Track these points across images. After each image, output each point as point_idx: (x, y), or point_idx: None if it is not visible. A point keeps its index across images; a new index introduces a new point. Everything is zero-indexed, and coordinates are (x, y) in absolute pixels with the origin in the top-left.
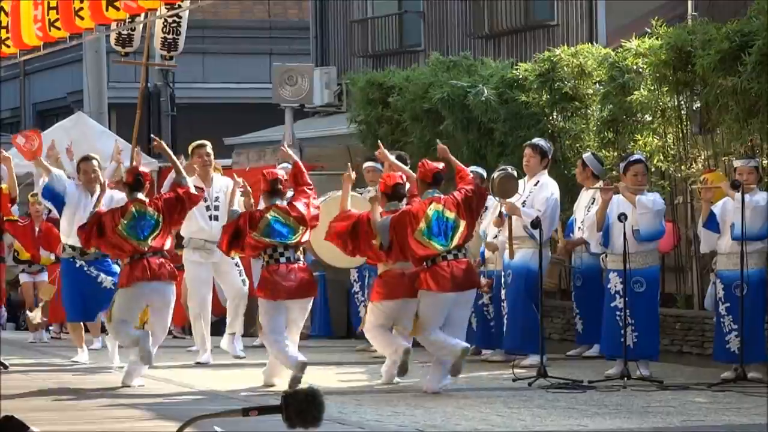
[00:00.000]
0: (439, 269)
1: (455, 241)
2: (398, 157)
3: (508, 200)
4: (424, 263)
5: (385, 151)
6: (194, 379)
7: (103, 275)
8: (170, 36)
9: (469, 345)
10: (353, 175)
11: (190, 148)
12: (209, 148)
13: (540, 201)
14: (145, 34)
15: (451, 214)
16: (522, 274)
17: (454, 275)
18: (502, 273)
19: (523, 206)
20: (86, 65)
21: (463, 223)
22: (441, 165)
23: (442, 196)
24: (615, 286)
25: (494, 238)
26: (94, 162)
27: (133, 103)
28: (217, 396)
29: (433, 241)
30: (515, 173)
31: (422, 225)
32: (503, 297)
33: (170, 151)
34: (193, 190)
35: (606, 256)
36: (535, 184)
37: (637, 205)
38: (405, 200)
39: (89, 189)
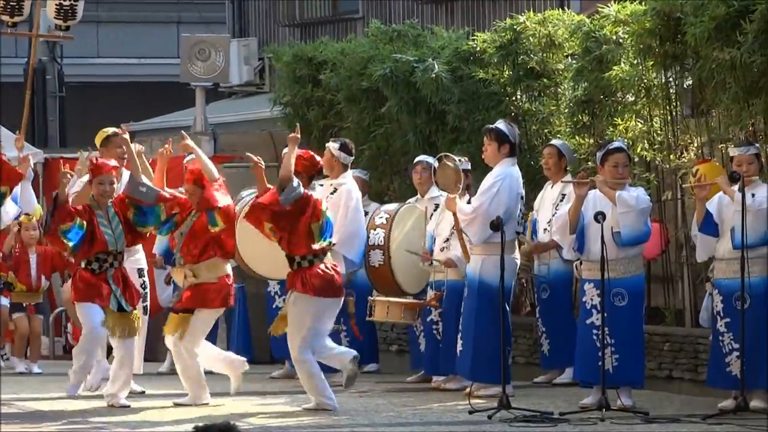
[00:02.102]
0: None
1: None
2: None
3: (451, 195)
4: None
5: (191, 143)
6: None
7: None
8: (66, 1)
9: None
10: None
11: (98, 138)
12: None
13: (477, 194)
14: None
15: None
16: (473, 287)
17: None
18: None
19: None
20: None
21: None
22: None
23: None
24: (591, 299)
25: (445, 242)
26: None
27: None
28: None
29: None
30: (457, 161)
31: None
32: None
33: (132, 147)
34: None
35: (581, 263)
36: None
37: (617, 203)
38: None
39: None
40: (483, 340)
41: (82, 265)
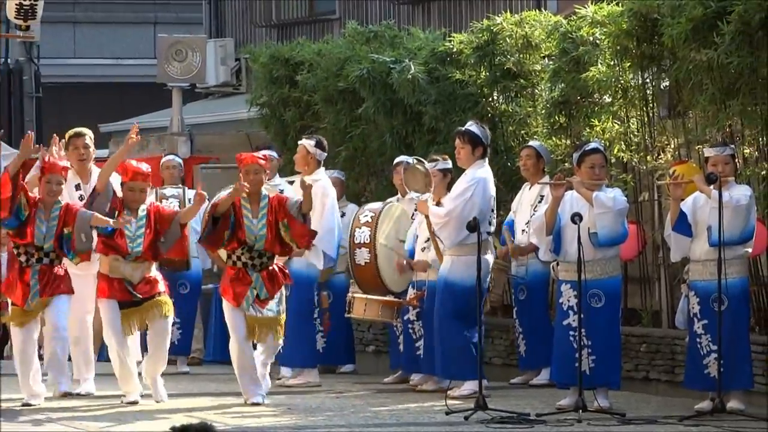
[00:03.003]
0: None
1: None
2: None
3: (422, 197)
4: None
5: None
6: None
7: None
8: (27, 1)
9: None
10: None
11: (65, 138)
12: (88, 139)
13: (449, 196)
14: None
15: None
16: (440, 286)
17: None
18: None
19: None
20: None
21: None
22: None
23: None
24: (568, 301)
25: (426, 242)
26: None
27: None
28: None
29: None
30: (424, 164)
31: None
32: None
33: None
34: None
35: (557, 264)
36: None
37: (594, 204)
38: None
39: None
40: (450, 337)
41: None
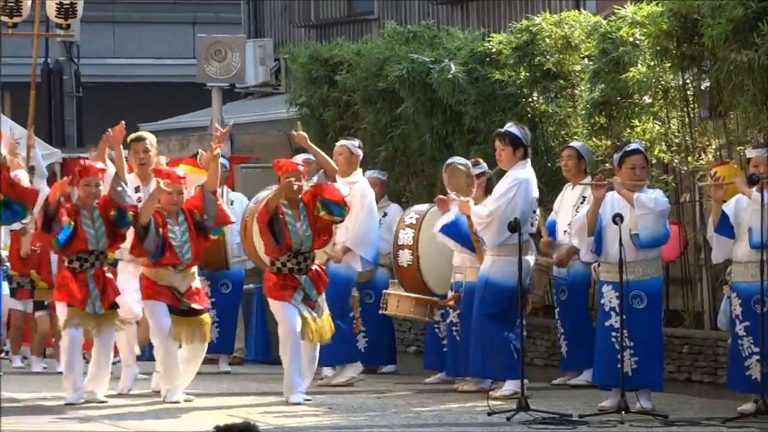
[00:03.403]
0: None
1: None
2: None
3: (462, 198)
4: None
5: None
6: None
7: None
8: (66, 0)
9: None
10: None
11: (127, 141)
12: (149, 143)
13: (492, 197)
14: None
15: None
16: (480, 287)
17: None
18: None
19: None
20: None
21: None
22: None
23: None
24: (610, 302)
25: None
26: None
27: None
28: None
29: None
30: (467, 165)
31: None
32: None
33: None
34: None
35: (599, 265)
36: None
37: (635, 205)
38: None
39: None
40: (490, 337)
41: (66, 263)
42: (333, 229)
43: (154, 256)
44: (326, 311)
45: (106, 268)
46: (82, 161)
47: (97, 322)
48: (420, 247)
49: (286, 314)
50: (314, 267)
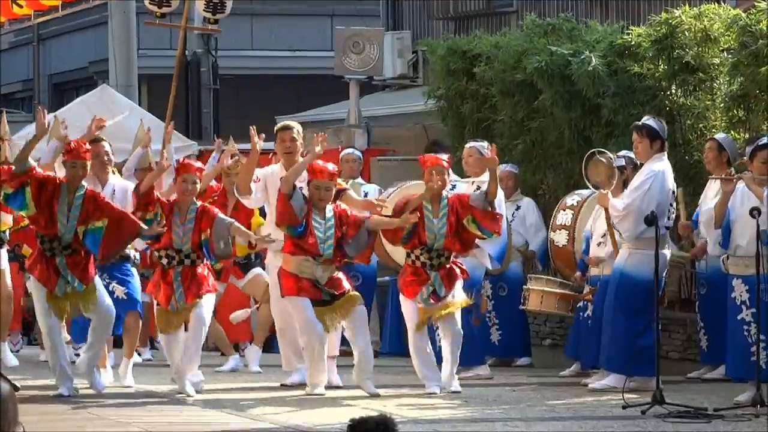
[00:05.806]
0: None
1: None
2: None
3: (603, 191)
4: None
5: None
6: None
7: (115, 284)
8: None
9: None
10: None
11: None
12: (296, 132)
13: (627, 190)
14: None
15: None
16: (615, 279)
17: None
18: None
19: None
20: (112, 29)
21: None
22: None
23: None
24: (740, 295)
25: (602, 237)
26: (105, 144)
27: (169, 74)
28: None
29: None
30: (609, 156)
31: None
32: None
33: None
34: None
35: (727, 258)
36: None
37: (765, 201)
38: None
39: (100, 177)
40: (624, 330)
41: (156, 255)
42: (475, 243)
43: (297, 229)
44: (461, 298)
45: (198, 267)
46: (182, 159)
47: (180, 317)
48: (577, 229)
49: (406, 310)
50: (449, 265)
